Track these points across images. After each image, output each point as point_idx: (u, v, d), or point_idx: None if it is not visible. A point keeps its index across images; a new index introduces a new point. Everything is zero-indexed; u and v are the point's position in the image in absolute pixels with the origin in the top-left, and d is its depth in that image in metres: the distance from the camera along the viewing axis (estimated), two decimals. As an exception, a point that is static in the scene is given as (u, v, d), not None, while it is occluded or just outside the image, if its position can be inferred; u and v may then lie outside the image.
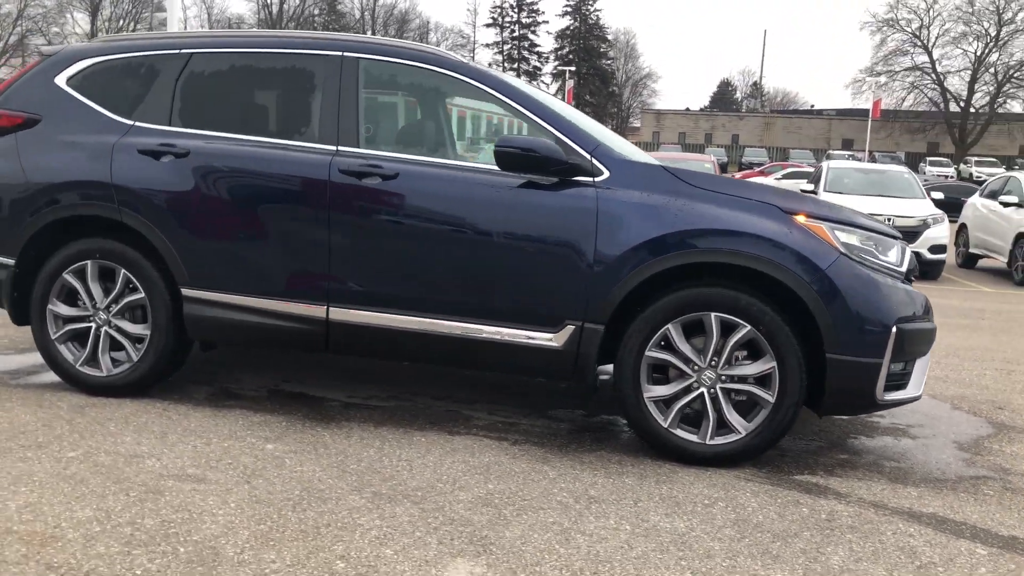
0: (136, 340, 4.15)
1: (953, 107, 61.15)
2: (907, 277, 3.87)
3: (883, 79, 61.58)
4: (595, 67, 78.89)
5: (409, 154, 4.03)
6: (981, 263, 13.88)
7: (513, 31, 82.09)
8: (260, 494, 3.14)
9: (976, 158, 56.33)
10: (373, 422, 4.03)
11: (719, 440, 3.64)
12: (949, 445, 4.18)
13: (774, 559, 2.82)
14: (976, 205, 13.98)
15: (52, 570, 2.51)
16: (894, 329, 3.54)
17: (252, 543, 2.75)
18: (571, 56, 79.99)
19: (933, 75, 61.12)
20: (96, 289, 4.15)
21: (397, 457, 3.58)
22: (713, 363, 3.61)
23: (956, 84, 61.00)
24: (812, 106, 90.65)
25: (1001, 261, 12.63)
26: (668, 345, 3.65)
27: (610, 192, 3.68)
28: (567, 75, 62.74)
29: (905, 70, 61.39)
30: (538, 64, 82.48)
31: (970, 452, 4.09)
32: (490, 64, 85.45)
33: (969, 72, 60.77)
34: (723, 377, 3.61)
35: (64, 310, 4.20)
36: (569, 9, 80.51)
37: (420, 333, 3.88)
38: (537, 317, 3.76)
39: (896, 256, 3.80)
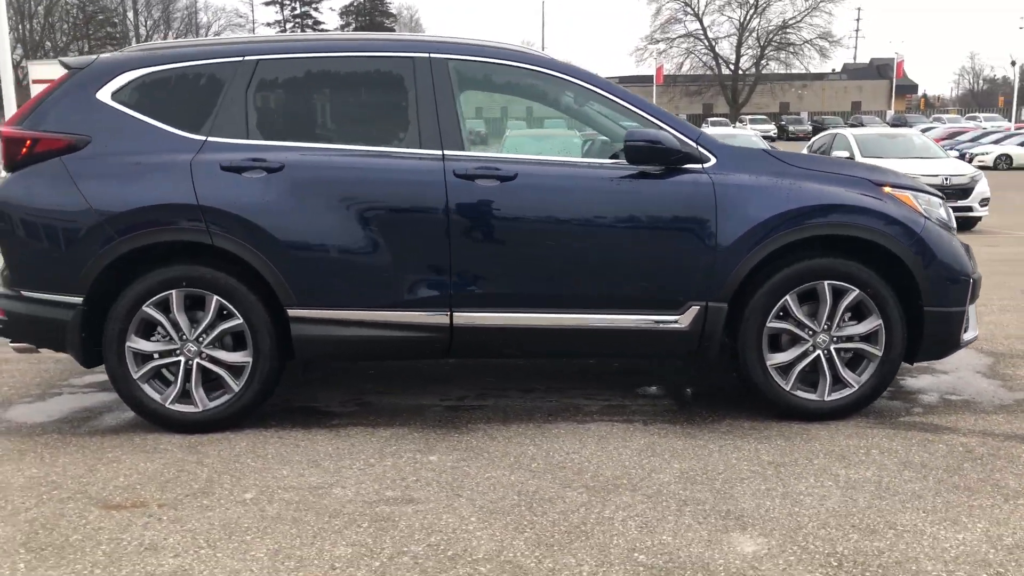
0: (233, 369, 3.91)
1: (725, 70, 66.27)
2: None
3: (662, 46, 65.55)
4: (384, 44, 78.00)
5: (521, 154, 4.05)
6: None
7: (294, 8, 79.43)
8: (485, 504, 3.15)
9: (750, 116, 61.45)
10: (497, 421, 4.07)
11: (835, 396, 4.02)
12: (975, 375, 4.81)
13: (968, 491, 3.22)
14: None
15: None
16: (971, 279, 4.06)
17: (538, 551, 2.79)
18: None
19: (705, 41, 65.93)
20: (182, 320, 3.86)
21: (562, 451, 3.67)
22: (826, 327, 3.96)
23: (726, 49, 66.11)
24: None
25: None
26: (786, 314, 3.96)
27: (723, 176, 3.92)
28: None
29: (680, 37, 65.74)
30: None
31: (998, 378, 4.73)
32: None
33: (735, 37, 66.01)
34: (835, 338, 3.98)
35: (146, 346, 3.89)
36: (353, -15, 78.96)
37: (547, 329, 3.96)
38: (660, 302, 3.95)
39: (947, 214, 4.31)
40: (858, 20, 77.61)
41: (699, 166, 3.94)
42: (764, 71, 65.85)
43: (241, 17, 74.99)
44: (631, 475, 3.41)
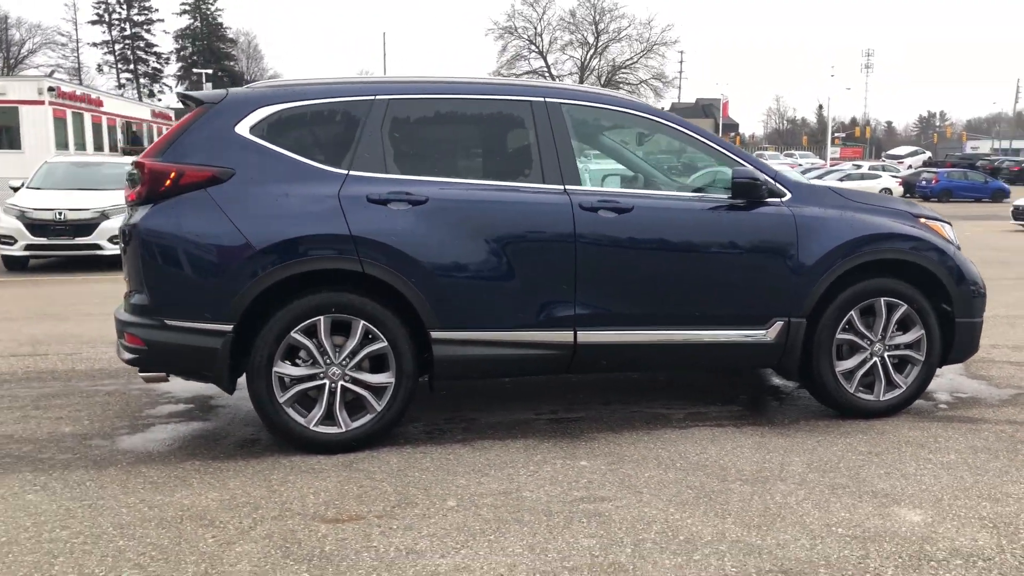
0: (375, 390, 4.12)
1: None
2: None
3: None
4: (224, 68, 75.73)
5: (628, 188, 4.52)
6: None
7: (123, 29, 75.77)
8: (669, 498, 3.57)
9: (593, 152, 64.15)
10: (606, 430, 4.49)
11: (888, 396, 4.72)
12: (961, 378, 5.69)
13: (1036, 467, 3.97)
14: None
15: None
16: (984, 294, 4.90)
17: (754, 532, 3.25)
18: (196, 58, 76.01)
19: (549, 78, 68.59)
20: (328, 344, 4.05)
21: (690, 453, 4.14)
22: (881, 337, 4.67)
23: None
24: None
25: None
26: (850, 327, 4.63)
27: (799, 208, 4.56)
28: (204, 77, 59.88)
29: (525, 73, 68.03)
30: (158, 66, 77.17)
31: (981, 379, 5.62)
32: (99, 66, 77.97)
33: (578, 76, 69.05)
34: (888, 347, 4.69)
35: (292, 371, 4.04)
36: (187, 8, 76.29)
37: (657, 344, 4.44)
38: (751, 318, 4.52)
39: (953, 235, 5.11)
40: (681, 62, 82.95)
41: (778, 200, 4.55)
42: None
43: (63, 35, 70.47)
44: (768, 469, 3.93)
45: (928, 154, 67.01)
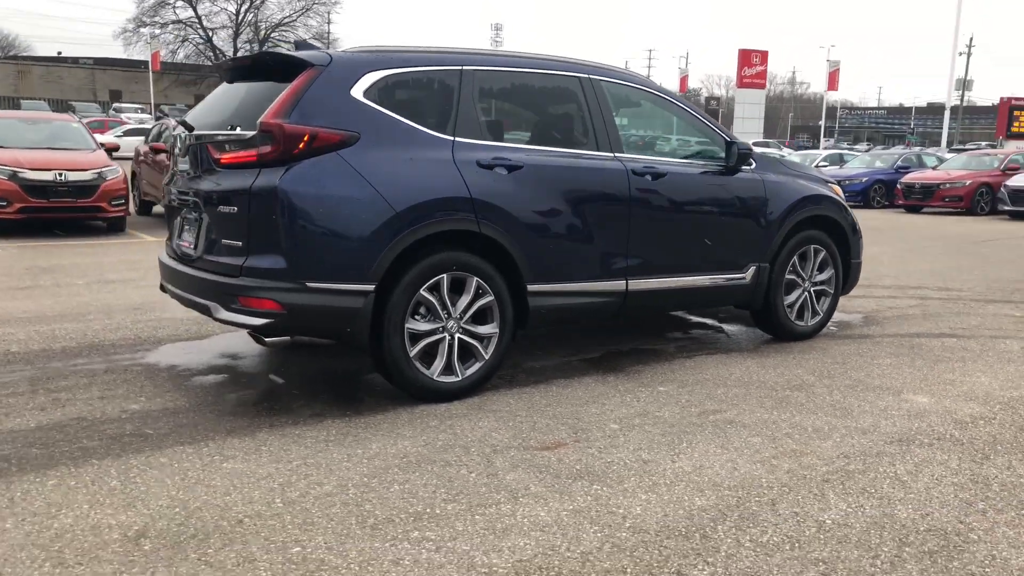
0: (482, 340, 4.55)
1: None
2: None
3: (154, 31, 62.38)
4: None
5: (657, 156, 5.32)
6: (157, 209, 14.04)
7: None
8: (767, 403, 4.54)
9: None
10: (637, 363, 5.33)
11: (813, 321, 6.11)
12: (840, 313, 7.33)
13: (949, 360, 5.54)
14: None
15: None
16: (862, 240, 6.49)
17: (830, 418, 4.34)
18: None
19: (201, 31, 64.50)
20: (447, 300, 4.40)
21: (720, 374, 5.14)
22: (811, 276, 6.02)
23: (225, 40, 65.46)
24: (59, 52, 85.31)
25: None
26: (793, 269, 5.92)
27: (764, 174, 5.72)
28: None
29: (172, 23, 63.28)
30: None
31: (856, 312, 7.30)
32: None
33: (232, 29, 65.72)
34: (814, 283, 6.06)
35: (422, 326, 4.33)
36: None
37: (676, 289, 5.35)
38: (733, 264, 5.60)
39: None
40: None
41: (750, 166, 5.66)
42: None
43: None
44: (788, 379, 5.04)
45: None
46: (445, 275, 4.32)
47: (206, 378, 4.85)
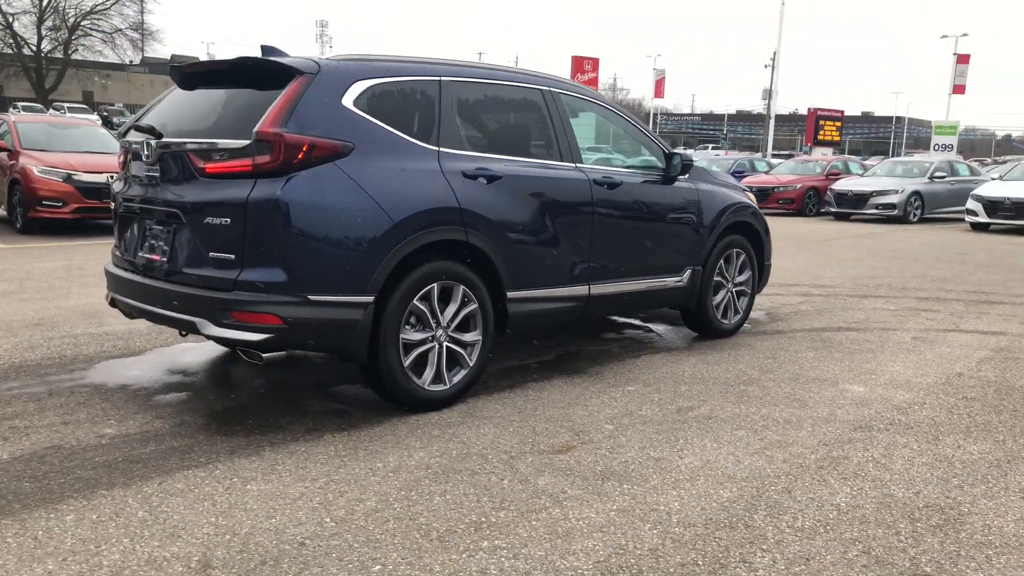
0: (467, 348, 4.61)
1: (27, 51, 60.60)
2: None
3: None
4: None
5: (611, 167, 5.54)
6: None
7: None
8: (736, 398, 4.86)
9: (68, 104, 58.04)
10: (597, 364, 5.54)
11: (735, 320, 6.56)
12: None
13: (860, 352, 6.11)
14: None
15: None
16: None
17: (790, 409, 4.73)
18: None
19: (0, 16, 59.23)
20: (436, 309, 4.43)
21: (671, 370, 5.45)
22: (733, 277, 6.47)
23: (28, 27, 60.49)
24: None
25: None
26: (720, 272, 6.34)
27: (698, 184, 6.09)
28: None
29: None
30: None
31: (762, 310, 7.83)
32: None
33: (35, 15, 60.77)
34: (736, 284, 6.51)
35: (414, 336, 4.35)
36: None
37: (627, 292, 5.60)
38: (674, 268, 5.94)
39: None
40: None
41: (686, 176, 6.01)
42: (75, 56, 62.37)
43: None
44: (736, 374, 5.41)
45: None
46: (436, 284, 4.34)
47: (168, 396, 4.61)
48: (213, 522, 3.09)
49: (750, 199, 6.66)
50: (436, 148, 4.43)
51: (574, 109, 5.47)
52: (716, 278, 6.26)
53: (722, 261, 6.29)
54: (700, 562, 2.92)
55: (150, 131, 4.24)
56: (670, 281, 5.87)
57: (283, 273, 3.87)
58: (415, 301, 4.26)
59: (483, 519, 3.19)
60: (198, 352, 5.61)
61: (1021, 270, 11.43)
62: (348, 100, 4.15)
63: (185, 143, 4.08)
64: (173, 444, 3.87)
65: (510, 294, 4.72)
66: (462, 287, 4.46)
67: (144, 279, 4.31)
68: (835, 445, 4.14)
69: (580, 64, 50.54)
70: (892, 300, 8.54)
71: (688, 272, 5.98)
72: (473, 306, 4.53)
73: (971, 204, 18.14)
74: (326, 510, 3.22)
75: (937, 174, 20.43)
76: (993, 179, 20.18)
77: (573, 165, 5.15)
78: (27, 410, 4.29)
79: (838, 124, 46.07)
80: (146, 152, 4.26)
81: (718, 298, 6.32)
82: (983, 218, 17.81)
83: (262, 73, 4.17)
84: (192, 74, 4.58)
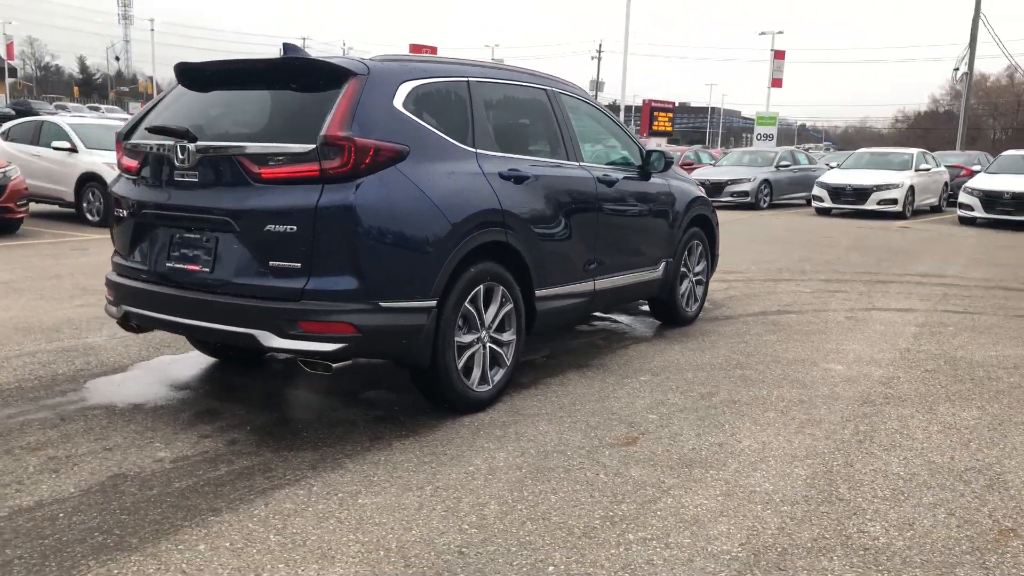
0: (505, 346, 4.68)
1: None
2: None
3: None
4: None
5: (604, 164, 5.71)
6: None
7: None
8: (736, 384, 5.19)
9: None
10: (589, 362, 5.74)
11: (694, 307, 6.94)
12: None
13: (813, 334, 6.63)
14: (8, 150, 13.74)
15: None
16: (716, 236, 7.46)
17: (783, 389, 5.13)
18: None
19: None
20: (482, 310, 4.48)
21: (665, 362, 5.74)
22: (693, 267, 6.84)
23: None
24: None
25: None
26: (685, 263, 6.68)
27: (669, 180, 6.39)
28: None
29: None
30: None
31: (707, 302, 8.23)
32: None
33: None
34: (694, 273, 6.88)
35: (465, 338, 4.37)
36: None
37: (624, 286, 5.82)
38: (653, 261, 6.22)
39: None
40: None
41: (661, 173, 6.29)
42: None
43: None
44: (721, 360, 5.75)
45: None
46: (482, 286, 4.37)
47: (194, 413, 4.36)
48: (355, 539, 3.02)
49: (702, 192, 7.05)
50: (473, 150, 4.44)
51: (570, 107, 5.61)
52: (681, 269, 6.59)
53: (686, 253, 6.63)
54: (827, 535, 3.17)
55: (183, 134, 4.00)
56: (651, 273, 6.14)
57: (354, 280, 3.79)
58: (466, 303, 4.26)
59: (610, 513, 3.29)
60: (185, 363, 5.33)
61: (886, 251, 12.63)
62: (398, 102, 4.09)
63: (236, 147, 3.89)
64: (244, 463, 3.71)
65: (538, 292, 4.80)
66: (501, 288, 4.50)
67: (177, 291, 4.07)
68: (856, 420, 4.53)
69: (418, 52, 50.31)
70: (802, 283, 9.25)
71: (663, 264, 6.27)
72: (509, 306, 4.59)
73: (817, 191, 19.73)
74: (457, 517, 3.22)
75: (782, 163, 22.04)
76: (831, 167, 22.01)
77: (578, 163, 5.29)
78: (51, 438, 3.95)
79: (670, 115, 48.52)
80: (180, 156, 4.01)
81: (682, 288, 6.66)
82: (828, 204, 19.41)
83: (310, 74, 4.02)
84: (209, 73, 4.35)
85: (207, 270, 3.98)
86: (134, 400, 4.56)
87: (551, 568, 2.86)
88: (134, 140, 4.38)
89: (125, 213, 4.36)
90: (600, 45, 76.93)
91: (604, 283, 5.50)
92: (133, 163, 4.35)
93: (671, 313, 6.64)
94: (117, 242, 4.50)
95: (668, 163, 6.08)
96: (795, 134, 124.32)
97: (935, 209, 21.28)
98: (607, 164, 5.89)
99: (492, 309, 4.47)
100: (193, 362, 5.36)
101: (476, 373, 4.40)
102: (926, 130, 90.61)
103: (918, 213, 20.08)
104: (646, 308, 6.98)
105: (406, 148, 4.00)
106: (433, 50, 51.36)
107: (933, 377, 5.46)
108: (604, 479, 3.63)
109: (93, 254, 10.06)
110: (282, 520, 3.15)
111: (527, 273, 4.68)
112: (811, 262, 11.06)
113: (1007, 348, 6.34)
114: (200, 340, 5.09)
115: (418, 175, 4.01)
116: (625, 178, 5.80)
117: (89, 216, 13.19)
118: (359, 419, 4.33)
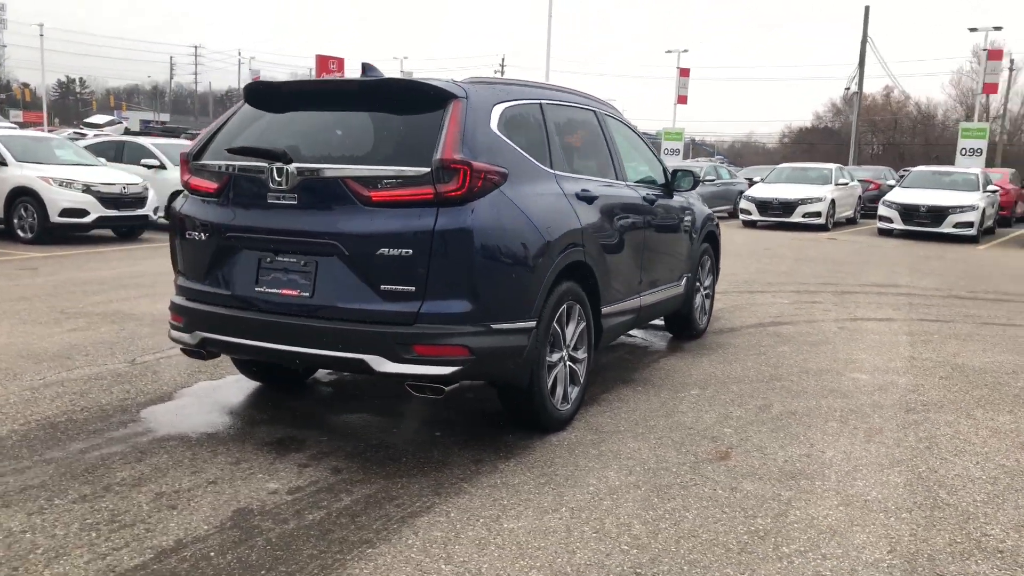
0: (579, 364, 4.73)
1: None
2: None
3: None
4: None
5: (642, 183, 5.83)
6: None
7: None
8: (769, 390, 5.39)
9: None
10: (629, 377, 5.85)
11: (705, 320, 7.15)
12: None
13: (819, 344, 6.93)
14: None
15: None
16: (716, 251, 7.70)
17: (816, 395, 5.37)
18: None
19: None
20: (565, 329, 4.52)
21: (702, 376, 5.90)
22: (705, 281, 7.05)
23: None
24: None
25: None
26: (698, 278, 6.88)
27: (690, 199, 6.58)
28: None
29: None
30: None
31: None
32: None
33: None
34: (704, 286, 7.09)
35: (553, 357, 4.41)
36: None
37: (659, 301, 5.95)
38: (678, 276, 6.39)
39: None
40: None
41: (682, 193, 6.46)
42: None
43: None
44: (754, 374, 5.94)
45: (124, 124, 67.84)
46: (565, 305, 4.41)
47: (278, 440, 4.23)
48: (528, 565, 3.01)
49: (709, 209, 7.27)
50: (552, 171, 4.48)
51: (614, 127, 5.70)
52: (705, 281, 6.79)
53: (699, 267, 6.82)
54: (959, 539, 3.35)
55: (279, 156, 3.90)
56: (677, 288, 6.29)
57: (468, 303, 3.77)
58: (553, 323, 4.30)
59: (752, 527, 3.38)
60: (229, 388, 5.16)
61: (831, 263, 13.25)
62: (494, 124, 4.10)
63: (343, 169, 3.81)
64: (365, 491, 3.63)
65: (604, 309, 4.87)
66: (578, 306, 4.55)
67: (270, 316, 3.95)
68: (911, 427, 4.78)
69: (325, 64, 49.56)
70: (777, 295, 9.61)
71: (684, 279, 6.44)
72: (583, 324, 4.64)
73: (744, 204, 20.48)
74: (610, 538, 3.25)
75: (708, 178, 22.75)
76: (755, 182, 22.88)
77: (625, 183, 5.39)
78: (144, 473, 3.77)
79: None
80: (276, 178, 3.90)
81: (696, 301, 6.85)
82: (756, 216, 20.18)
83: (409, 96, 3.98)
84: (285, 93, 4.25)
85: (306, 295, 3.88)
86: (202, 429, 4.38)
87: (734, 585, 2.92)
88: (205, 160, 4.24)
89: (199, 235, 4.20)
90: (503, 59, 77.42)
91: (648, 299, 5.61)
92: (209, 184, 4.19)
93: (686, 326, 6.81)
94: (184, 264, 4.32)
95: (696, 183, 6.26)
96: (689, 149, 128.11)
97: (851, 221, 22.41)
98: (638, 183, 6.01)
99: (571, 327, 4.51)
100: (237, 387, 5.19)
101: (559, 391, 4.43)
102: (811, 144, 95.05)
103: (837, 225, 21.11)
104: (655, 322, 7.12)
105: (505, 171, 4.01)
106: (340, 62, 50.75)
107: (952, 384, 5.78)
108: (724, 494, 3.71)
109: (46, 274, 9.57)
110: (442, 549, 3.11)
111: (596, 291, 4.74)
112: (770, 274, 11.49)
113: (997, 355, 6.78)
114: (246, 362, 4.93)
115: (518, 197, 4.02)
116: (658, 196, 5.94)
117: (21, 233, 12.61)
118: (445, 441, 4.29)
